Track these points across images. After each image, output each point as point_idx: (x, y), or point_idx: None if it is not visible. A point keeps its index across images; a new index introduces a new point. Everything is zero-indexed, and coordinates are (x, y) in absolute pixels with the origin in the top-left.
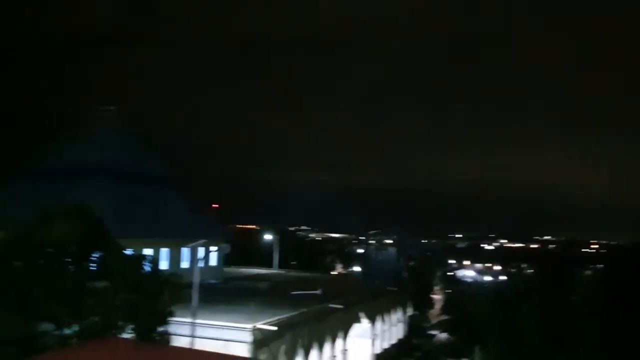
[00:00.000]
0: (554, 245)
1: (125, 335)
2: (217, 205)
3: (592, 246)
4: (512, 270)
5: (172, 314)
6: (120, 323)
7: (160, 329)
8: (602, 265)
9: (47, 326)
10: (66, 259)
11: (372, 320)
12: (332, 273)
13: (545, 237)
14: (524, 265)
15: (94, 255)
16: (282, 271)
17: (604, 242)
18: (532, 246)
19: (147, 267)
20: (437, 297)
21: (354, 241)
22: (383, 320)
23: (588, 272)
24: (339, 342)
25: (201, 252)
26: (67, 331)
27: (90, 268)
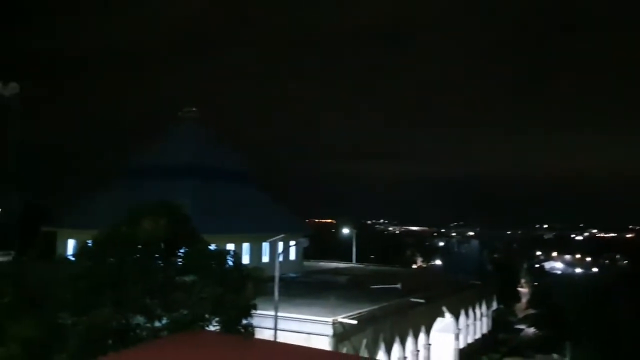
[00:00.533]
0: None
1: (211, 328)
2: (295, 200)
3: None
4: (605, 261)
5: (255, 307)
6: (206, 316)
7: (245, 321)
8: None
9: (139, 319)
10: (155, 255)
11: (456, 314)
12: (412, 267)
13: None
14: (617, 256)
15: (180, 251)
16: (360, 265)
17: None
18: (626, 236)
19: (230, 262)
20: (523, 290)
21: (434, 234)
22: (467, 314)
23: None
24: (421, 336)
25: (281, 246)
26: (157, 324)
27: (178, 263)
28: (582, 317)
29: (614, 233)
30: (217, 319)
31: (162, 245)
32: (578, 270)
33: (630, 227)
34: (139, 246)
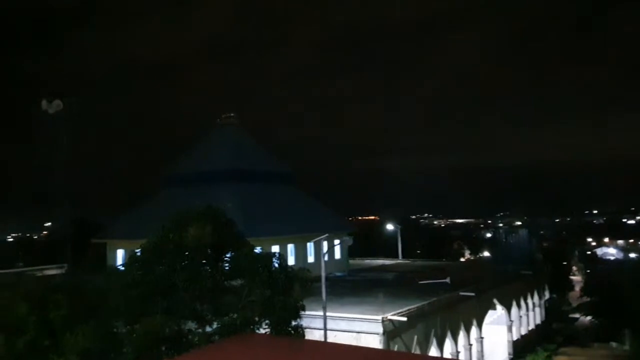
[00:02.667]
0: None
1: (262, 330)
2: (337, 199)
3: None
4: None
5: (303, 308)
6: (256, 319)
7: (294, 322)
8: None
9: (191, 325)
10: (203, 261)
11: (507, 306)
12: (460, 260)
13: None
14: None
15: (227, 255)
16: (407, 261)
17: None
18: None
19: (276, 264)
20: (576, 278)
21: (480, 225)
22: (519, 305)
23: None
24: (473, 330)
25: (325, 245)
26: (209, 329)
27: (225, 268)
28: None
29: None
30: (266, 321)
31: (209, 250)
32: (632, 255)
33: None
34: (187, 252)
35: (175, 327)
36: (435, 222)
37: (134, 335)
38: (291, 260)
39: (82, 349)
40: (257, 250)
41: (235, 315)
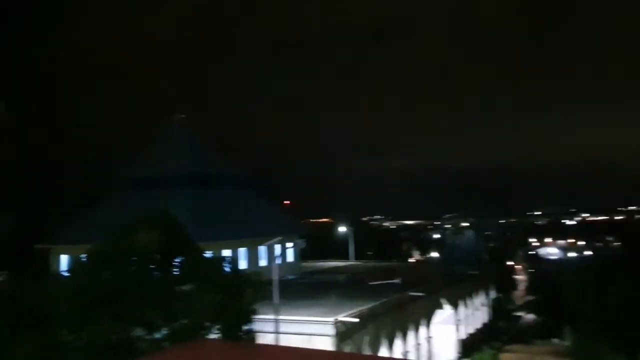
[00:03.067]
0: None
1: (213, 336)
2: (289, 202)
3: None
4: (598, 244)
5: (255, 312)
6: (207, 324)
7: (246, 327)
8: None
9: (140, 331)
10: (152, 266)
11: (455, 305)
12: (409, 260)
13: (630, 208)
14: (610, 239)
15: (177, 260)
16: (358, 262)
17: None
18: (616, 218)
19: (227, 268)
20: (520, 277)
21: (429, 227)
22: (466, 305)
23: None
24: (422, 329)
25: (277, 249)
26: (158, 335)
27: (175, 273)
28: (579, 301)
29: (604, 216)
30: (217, 326)
31: (159, 255)
32: (572, 254)
33: (620, 209)
34: (135, 258)
35: (123, 334)
36: (385, 224)
37: (80, 343)
38: (243, 264)
39: (26, 358)
40: (208, 254)
41: (186, 321)
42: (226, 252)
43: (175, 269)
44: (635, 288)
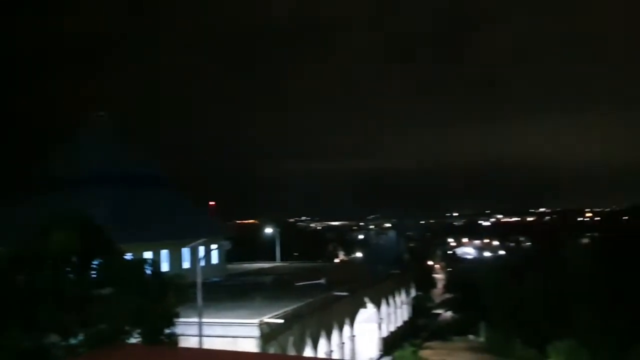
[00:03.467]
0: (549, 217)
1: (133, 340)
2: (214, 203)
3: (587, 215)
4: (511, 244)
5: (178, 315)
6: (127, 328)
7: (168, 330)
8: (597, 233)
9: (54, 337)
10: (67, 269)
11: (378, 304)
12: (334, 261)
13: (541, 210)
14: (522, 239)
15: (95, 263)
16: (284, 263)
17: (598, 209)
18: (528, 219)
19: (149, 270)
20: (439, 276)
21: (354, 227)
22: (388, 303)
23: (585, 241)
24: (346, 329)
25: (202, 251)
26: (74, 341)
27: (93, 276)
28: (493, 299)
29: (517, 217)
30: (138, 330)
31: (75, 258)
32: (487, 254)
33: (531, 211)
34: (49, 261)
35: (37, 340)
36: (312, 225)
37: None
38: (166, 267)
39: None
40: (129, 256)
41: (104, 326)
42: (148, 254)
43: (93, 272)
44: (544, 286)
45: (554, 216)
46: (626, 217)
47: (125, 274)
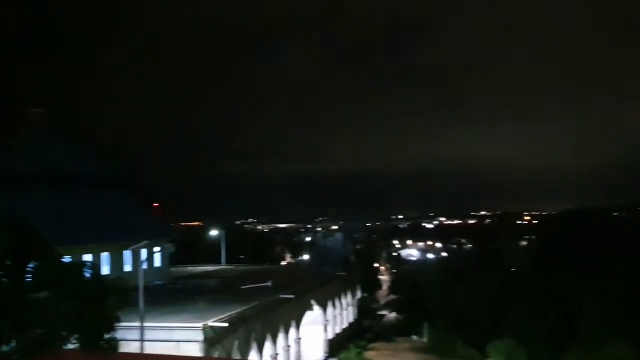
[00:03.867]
0: (489, 220)
1: (70, 346)
2: (158, 204)
3: (525, 218)
4: (452, 246)
5: (118, 320)
6: (64, 334)
7: (107, 335)
8: (534, 236)
9: None
10: (0, 273)
11: (324, 306)
12: (281, 263)
13: (481, 212)
14: (463, 241)
15: (30, 266)
16: (230, 266)
17: (536, 213)
18: (469, 222)
19: (87, 274)
20: (384, 277)
21: (301, 230)
22: (334, 305)
23: (523, 243)
24: (292, 331)
25: (144, 253)
26: (6, 348)
27: (28, 279)
28: (435, 299)
29: (459, 220)
30: (76, 336)
31: (8, 261)
32: (430, 255)
33: (472, 213)
34: None
35: None
36: (259, 227)
37: None
38: (106, 270)
39: None
40: (67, 259)
41: (40, 331)
42: (87, 257)
43: (28, 276)
44: (484, 286)
45: (494, 219)
46: (562, 221)
47: (63, 278)
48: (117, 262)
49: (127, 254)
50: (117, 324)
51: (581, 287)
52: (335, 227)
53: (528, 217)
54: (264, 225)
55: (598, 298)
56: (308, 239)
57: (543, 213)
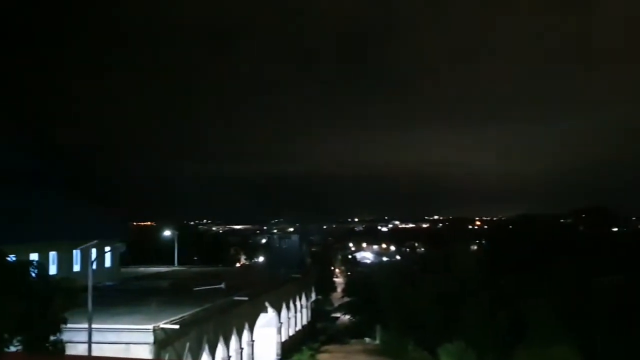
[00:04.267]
0: (442, 224)
1: (13, 349)
2: (110, 203)
3: (476, 223)
4: (406, 250)
5: (65, 321)
6: (6, 336)
7: (53, 337)
8: (484, 241)
9: None
10: None
11: (278, 308)
12: (236, 265)
13: (435, 217)
14: (416, 245)
15: None
16: (183, 267)
17: (487, 218)
18: (423, 226)
19: (34, 273)
20: (339, 280)
21: (257, 231)
22: (288, 308)
23: (474, 247)
24: (245, 333)
25: (94, 253)
26: None
27: None
28: (388, 302)
29: (412, 224)
30: (20, 338)
31: None
32: (384, 258)
33: (426, 217)
34: None
35: None
36: (214, 228)
37: None
38: (54, 270)
39: None
40: (11, 258)
41: None
42: (34, 256)
43: None
44: (436, 289)
45: (447, 223)
46: (511, 226)
47: (6, 277)
48: (66, 262)
49: (77, 254)
50: (64, 326)
51: (528, 290)
52: (292, 230)
53: (479, 222)
54: (219, 227)
55: (544, 301)
56: (264, 240)
57: (494, 218)
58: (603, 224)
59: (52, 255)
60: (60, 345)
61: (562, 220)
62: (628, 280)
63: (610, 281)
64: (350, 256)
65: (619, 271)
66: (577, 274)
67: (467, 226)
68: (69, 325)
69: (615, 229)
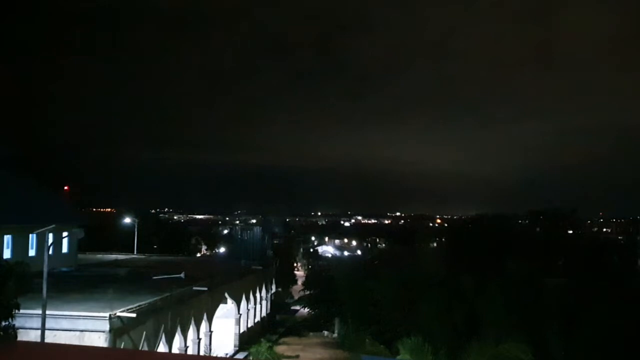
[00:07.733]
0: (403, 221)
1: None
2: (68, 187)
3: (437, 221)
4: (367, 245)
5: (17, 307)
6: None
7: (5, 323)
8: (444, 238)
9: None
10: None
11: (237, 300)
12: (196, 255)
13: (397, 213)
14: (377, 240)
15: None
16: (142, 256)
17: (447, 216)
18: (385, 222)
19: None
20: (299, 273)
21: (219, 222)
22: (248, 299)
23: (433, 245)
24: (203, 324)
25: (50, 238)
26: None
27: None
28: (346, 296)
29: (375, 219)
30: None
31: None
32: (346, 253)
33: (388, 214)
34: None
35: None
36: (175, 217)
37: None
38: (8, 254)
39: None
40: None
41: None
42: None
43: None
44: (395, 283)
45: (408, 220)
46: (470, 225)
47: None
48: (21, 247)
49: (33, 238)
50: (16, 311)
51: (484, 287)
52: (254, 221)
53: (440, 220)
54: (180, 216)
55: (498, 299)
56: (225, 231)
57: (454, 217)
58: (559, 226)
59: (7, 238)
60: (11, 331)
61: (519, 221)
62: (572, 281)
63: (559, 282)
64: (312, 250)
65: (567, 272)
66: (529, 273)
67: (428, 224)
68: (21, 311)
69: (570, 232)
